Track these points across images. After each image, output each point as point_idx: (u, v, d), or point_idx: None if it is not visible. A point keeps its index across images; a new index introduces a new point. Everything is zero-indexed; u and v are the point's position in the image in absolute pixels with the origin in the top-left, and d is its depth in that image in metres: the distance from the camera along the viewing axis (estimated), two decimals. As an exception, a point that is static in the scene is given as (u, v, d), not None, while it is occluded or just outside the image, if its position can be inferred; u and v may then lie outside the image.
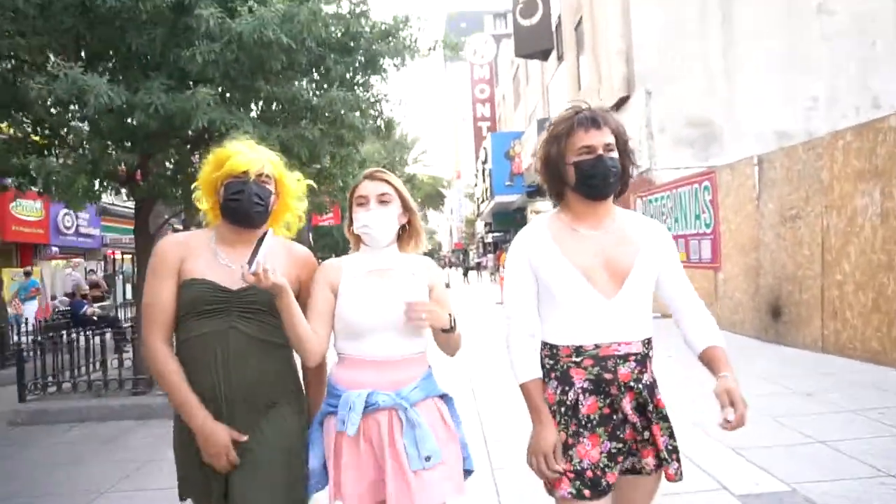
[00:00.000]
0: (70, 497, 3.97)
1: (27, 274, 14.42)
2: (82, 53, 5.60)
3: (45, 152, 6.11)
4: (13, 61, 5.61)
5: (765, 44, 13.65)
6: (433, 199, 49.05)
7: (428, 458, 1.84)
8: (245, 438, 1.85)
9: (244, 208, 1.87)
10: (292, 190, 2.03)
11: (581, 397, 1.76)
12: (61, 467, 4.56)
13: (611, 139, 1.79)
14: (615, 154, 1.79)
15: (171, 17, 5.11)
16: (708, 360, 1.80)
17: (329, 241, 25.54)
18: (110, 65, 5.69)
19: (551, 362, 1.82)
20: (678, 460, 1.80)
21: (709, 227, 9.89)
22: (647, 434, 1.78)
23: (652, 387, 1.82)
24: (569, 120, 1.81)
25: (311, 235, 18.95)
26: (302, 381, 2.07)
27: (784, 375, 6.15)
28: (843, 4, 13.86)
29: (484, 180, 35.12)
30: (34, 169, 5.41)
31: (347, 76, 5.94)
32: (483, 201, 37.61)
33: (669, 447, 1.79)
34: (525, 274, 1.84)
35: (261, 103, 6.18)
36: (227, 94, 5.67)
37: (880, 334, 6.36)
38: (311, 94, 5.88)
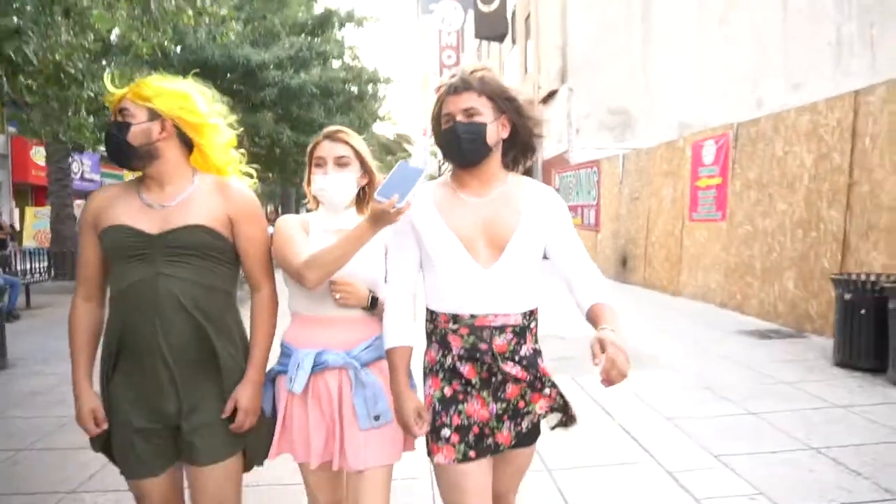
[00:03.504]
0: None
1: None
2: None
3: None
4: None
5: (676, 46, 16.90)
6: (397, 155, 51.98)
7: (377, 418, 1.83)
8: (101, 430, 1.81)
9: (109, 152, 1.79)
10: (182, 100, 1.76)
11: (458, 363, 1.75)
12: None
13: (472, 104, 1.68)
14: (479, 119, 1.67)
15: (251, 72, 8.61)
16: (593, 316, 1.68)
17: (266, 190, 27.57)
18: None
19: (431, 326, 1.81)
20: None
21: (594, 201, 13.83)
22: (537, 384, 1.76)
23: (532, 358, 1.77)
24: (441, 87, 1.75)
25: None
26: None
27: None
28: (740, 16, 17.00)
29: (446, 142, 38.08)
30: None
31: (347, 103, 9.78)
32: (443, 163, 40.47)
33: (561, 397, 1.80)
34: (407, 240, 1.80)
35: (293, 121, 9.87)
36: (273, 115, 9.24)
37: (668, 275, 10.41)
38: (322, 117, 9.54)
